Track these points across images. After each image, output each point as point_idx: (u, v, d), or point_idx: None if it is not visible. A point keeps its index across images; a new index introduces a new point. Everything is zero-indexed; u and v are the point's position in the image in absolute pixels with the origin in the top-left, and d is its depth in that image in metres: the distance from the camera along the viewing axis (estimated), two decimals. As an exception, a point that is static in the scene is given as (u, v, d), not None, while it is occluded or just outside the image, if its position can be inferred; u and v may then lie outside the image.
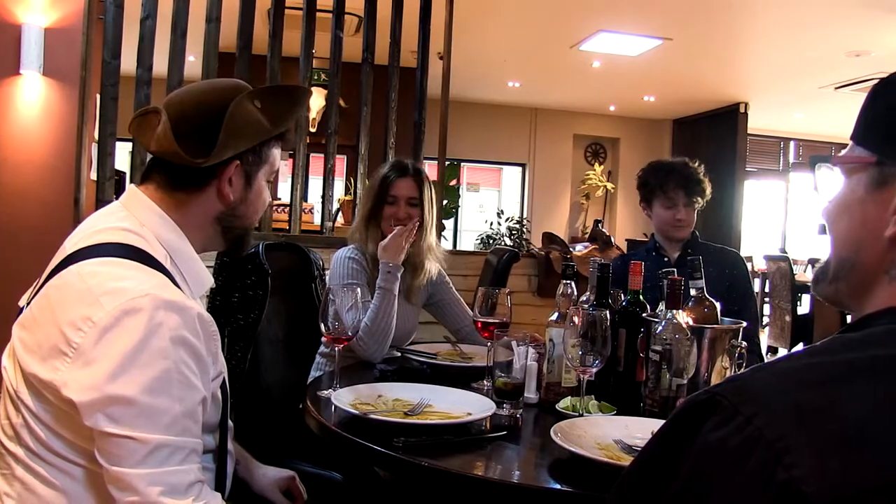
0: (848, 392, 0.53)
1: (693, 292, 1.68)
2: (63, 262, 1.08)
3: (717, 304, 1.68)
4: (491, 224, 9.11)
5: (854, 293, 0.69)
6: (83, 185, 3.56)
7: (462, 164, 10.19)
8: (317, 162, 4.71)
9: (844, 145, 0.72)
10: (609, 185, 10.46)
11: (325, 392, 1.60)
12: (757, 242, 9.83)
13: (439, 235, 4.18)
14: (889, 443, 0.49)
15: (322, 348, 2.25)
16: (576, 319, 1.47)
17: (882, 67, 6.69)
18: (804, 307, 6.52)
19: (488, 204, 10.83)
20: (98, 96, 3.77)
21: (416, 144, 4.36)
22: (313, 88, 5.59)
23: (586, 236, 7.64)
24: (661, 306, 1.63)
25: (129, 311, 0.99)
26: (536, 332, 1.98)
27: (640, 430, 1.31)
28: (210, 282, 1.27)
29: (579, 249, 5.12)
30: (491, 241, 9.03)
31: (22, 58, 3.45)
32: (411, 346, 2.17)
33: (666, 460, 0.57)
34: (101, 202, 3.63)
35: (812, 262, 6.94)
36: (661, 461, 0.58)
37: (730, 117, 9.27)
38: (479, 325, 1.79)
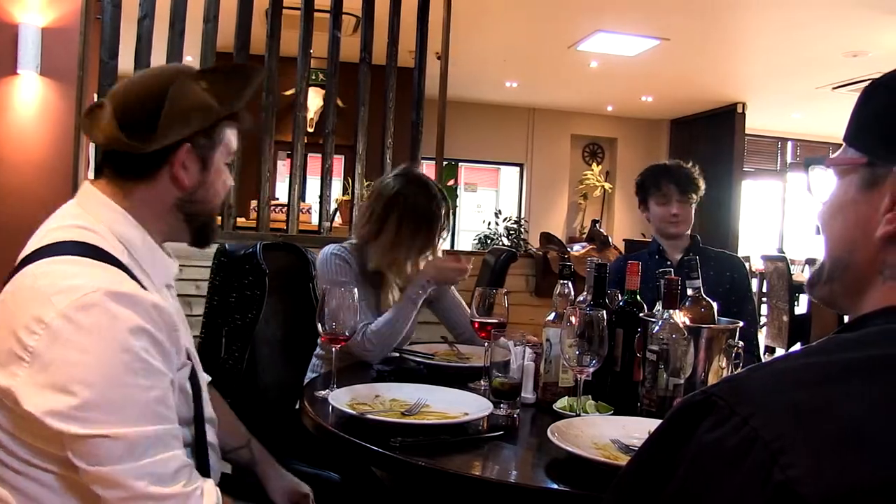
0: (844, 392, 0.53)
1: (690, 292, 1.68)
2: (18, 265, 1.07)
3: (714, 304, 1.69)
4: (489, 224, 9.12)
5: (848, 294, 0.69)
6: (81, 185, 3.55)
7: (460, 164, 10.20)
8: (314, 162, 4.71)
9: (841, 146, 0.72)
10: (607, 186, 10.46)
11: (322, 392, 1.60)
12: (754, 242, 9.84)
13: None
14: (885, 443, 0.49)
15: (318, 349, 2.24)
16: (573, 319, 1.47)
17: (879, 67, 6.67)
18: (801, 307, 6.53)
19: (486, 204, 10.83)
20: (95, 96, 3.76)
21: (414, 144, 4.36)
22: (311, 88, 5.58)
23: (584, 236, 7.65)
24: (659, 306, 1.63)
25: (83, 308, 0.97)
26: (534, 332, 1.98)
27: (637, 429, 1.31)
28: (174, 267, 1.24)
29: (577, 249, 5.13)
30: (488, 241, 9.04)
31: (19, 57, 3.45)
32: (408, 347, 2.17)
33: (662, 461, 0.57)
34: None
35: (809, 262, 6.94)
36: (657, 462, 0.58)
37: (727, 117, 9.27)
38: (477, 325, 1.79)
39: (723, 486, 0.52)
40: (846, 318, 0.70)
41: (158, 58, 3.74)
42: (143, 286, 1.09)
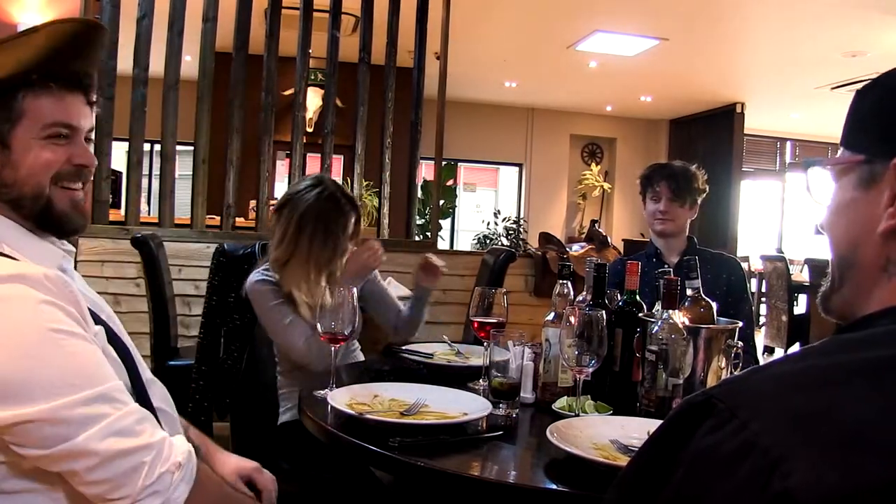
0: (846, 394, 0.52)
1: (689, 292, 1.68)
2: None
3: (714, 304, 1.69)
4: (488, 224, 9.13)
5: (858, 296, 0.68)
6: (79, 185, 3.55)
7: (459, 164, 10.21)
8: (313, 162, 4.70)
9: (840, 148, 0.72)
10: (606, 186, 10.47)
11: (321, 392, 1.60)
12: (753, 242, 9.84)
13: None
14: (889, 446, 0.49)
15: (279, 380, 2.17)
16: (572, 319, 1.47)
17: (878, 67, 6.60)
18: (801, 307, 6.53)
19: (485, 204, 10.83)
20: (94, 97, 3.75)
21: (413, 144, 4.36)
22: (310, 88, 5.58)
23: (583, 236, 7.65)
24: (658, 306, 1.63)
25: None
26: (533, 332, 1.98)
27: (636, 430, 1.31)
28: (58, 253, 1.13)
29: (576, 249, 5.13)
30: (488, 241, 9.05)
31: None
32: (407, 346, 2.17)
33: (660, 463, 0.57)
34: (97, 202, 3.63)
35: (808, 261, 6.94)
36: (655, 465, 0.58)
37: (726, 117, 9.27)
38: (476, 324, 1.79)
39: (719, 492, 0.51)
40: None
41: (157, 57, 3.74)
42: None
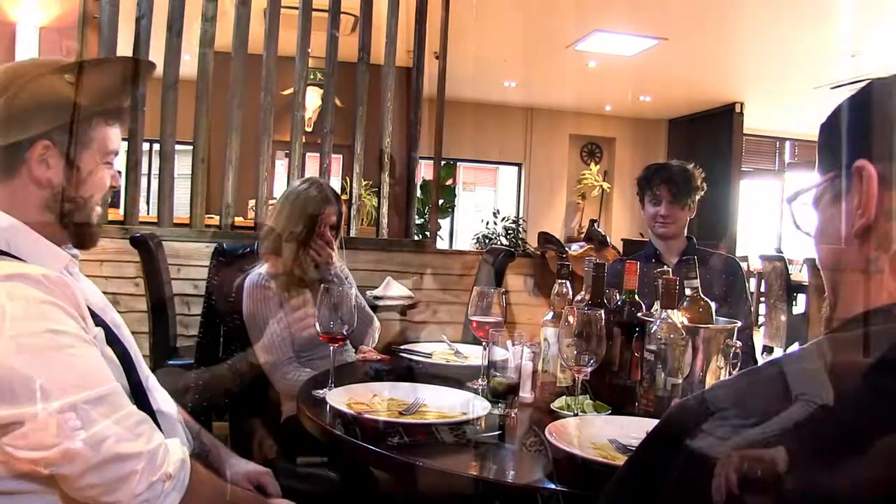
0: (841, 395, 0.53)
1: (688, 292, 1.68)
2: None
3: (712, 304, 1.69)
4: (487, 224, 9.12)
5: (850, 304, 0.69)
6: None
7: (458, 163, 10.20)
8: (312, 161, 4.70)
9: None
10: (605, 185, 10.47)
11: (320, 392, 1.60)
12: (752, 242, 9.85)
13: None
14: (883, 445, 0.49)
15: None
16: (571, 319, 1.47)
17: (877, 68, 6.69)
18: (799, 307, 6.54)
19: (484, 204, 10.82)
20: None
21: (412, 144, 4.36)
22: (309, 88, 5.58)
23: (582, 236, 7.66)
24: (657, 306, 1.63)
25: None
26: (532, 332, 1.98)
27: (635, 429, 1.31)
28: (64, 256, 1.16)
29: (575, 249, 5.13)
30: (487, 241, 9.04)
31: (16, 57, 3.45)
32: (406, 346, 2.17)
33: (656, 465, 0.57)
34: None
35: (807, 261, 6.94)
36: (651, 465, 0.58)
37: (725, 117, 9.28)
38: (475, 324, 1.79)
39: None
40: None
41: (157, 57, 3.73)
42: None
